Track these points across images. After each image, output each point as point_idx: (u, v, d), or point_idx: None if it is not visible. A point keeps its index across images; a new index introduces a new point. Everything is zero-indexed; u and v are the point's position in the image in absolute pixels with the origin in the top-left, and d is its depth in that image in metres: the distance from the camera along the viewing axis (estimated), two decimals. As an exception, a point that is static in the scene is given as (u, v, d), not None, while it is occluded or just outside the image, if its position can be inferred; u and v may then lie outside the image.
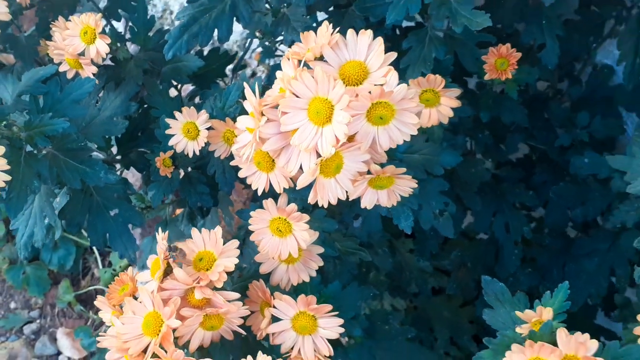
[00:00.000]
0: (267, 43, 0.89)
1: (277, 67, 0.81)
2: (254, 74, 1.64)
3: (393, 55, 0.63)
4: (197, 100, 1.09)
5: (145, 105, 1.00)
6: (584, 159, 0.91)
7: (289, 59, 0.65)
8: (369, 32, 0.64)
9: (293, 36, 0.82)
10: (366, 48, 0.64)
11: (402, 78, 0.79)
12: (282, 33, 0.86)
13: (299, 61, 0.65)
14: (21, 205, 0.76)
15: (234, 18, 0.86)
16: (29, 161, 0.77)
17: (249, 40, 0.98)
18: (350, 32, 0.64)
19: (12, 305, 1.82)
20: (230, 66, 1.06)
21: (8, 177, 0.70)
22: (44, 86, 0.81)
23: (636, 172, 0.65)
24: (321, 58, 0.65)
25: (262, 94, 0.67)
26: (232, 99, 0.86)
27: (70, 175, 0.81)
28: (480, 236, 1.23)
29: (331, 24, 0.66)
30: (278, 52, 1.01)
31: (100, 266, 1.81)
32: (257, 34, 0.86)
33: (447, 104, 0.78)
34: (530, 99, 1.05)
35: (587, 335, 0.62)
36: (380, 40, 0.63)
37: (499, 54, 0.86)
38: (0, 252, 1.85)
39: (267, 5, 0.88)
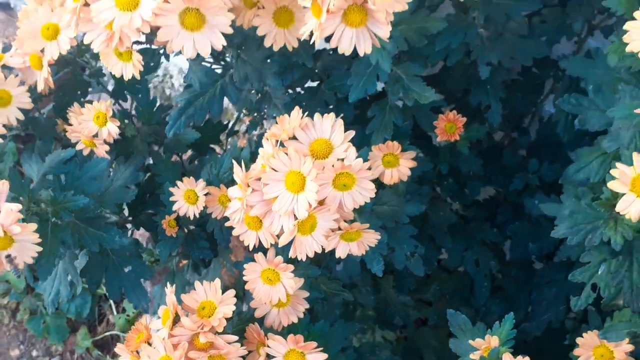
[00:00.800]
0: (253, 117, 1.02)
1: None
2: (247, 129, 1.76)
3: (351, 133, 0.75)
4: (196, 162, 1.22)
5: (151, 172, 1.12)
6: (535, 201, 1.01)
7: (268, 139, 0.78)
8: (332, 115, 0.76)
9: (274, 112, 0.94)
10: (330, 128, 0.75)
11: (368, 143, 0.92)
12: (266, 107, 0.99)
13: (277, 140, 0.77)
14: (50, 269, 0.86)
15: (224, 97, 0.99)
16: (55, 231, 0.88)
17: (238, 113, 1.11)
18: (317, 115, 0.76)
19: (34, 353, 1.87)
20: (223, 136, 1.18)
21: (40, 249, 0.80)
22: (65, 167, 0.92)
23: (562, 219, 0.75)
24: (294, 137, 0.76)
25: (253, 159, 0.79)
26: (226, 167, 0.97)
27: (89, 241, 0.91)
28: (460, 269, 1.32)
29: (304, 104, 0.79)
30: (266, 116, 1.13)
31: (115, 312, 1.87)
32: (244, 111, 0.99)
33: (405, 165, 0.89)
34: (486, 149, 1.16)
35: (527, 357, 0.74)
36: (340, 121, 0.75)
37: (448, 119, 0.96)
38: (21, 304, 1.91)
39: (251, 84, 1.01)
